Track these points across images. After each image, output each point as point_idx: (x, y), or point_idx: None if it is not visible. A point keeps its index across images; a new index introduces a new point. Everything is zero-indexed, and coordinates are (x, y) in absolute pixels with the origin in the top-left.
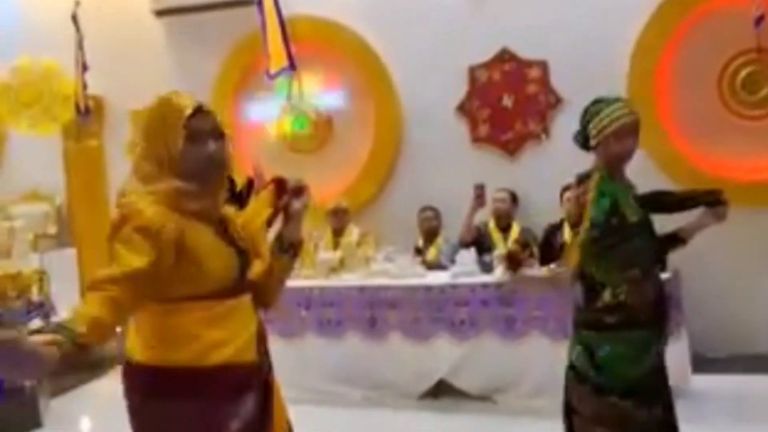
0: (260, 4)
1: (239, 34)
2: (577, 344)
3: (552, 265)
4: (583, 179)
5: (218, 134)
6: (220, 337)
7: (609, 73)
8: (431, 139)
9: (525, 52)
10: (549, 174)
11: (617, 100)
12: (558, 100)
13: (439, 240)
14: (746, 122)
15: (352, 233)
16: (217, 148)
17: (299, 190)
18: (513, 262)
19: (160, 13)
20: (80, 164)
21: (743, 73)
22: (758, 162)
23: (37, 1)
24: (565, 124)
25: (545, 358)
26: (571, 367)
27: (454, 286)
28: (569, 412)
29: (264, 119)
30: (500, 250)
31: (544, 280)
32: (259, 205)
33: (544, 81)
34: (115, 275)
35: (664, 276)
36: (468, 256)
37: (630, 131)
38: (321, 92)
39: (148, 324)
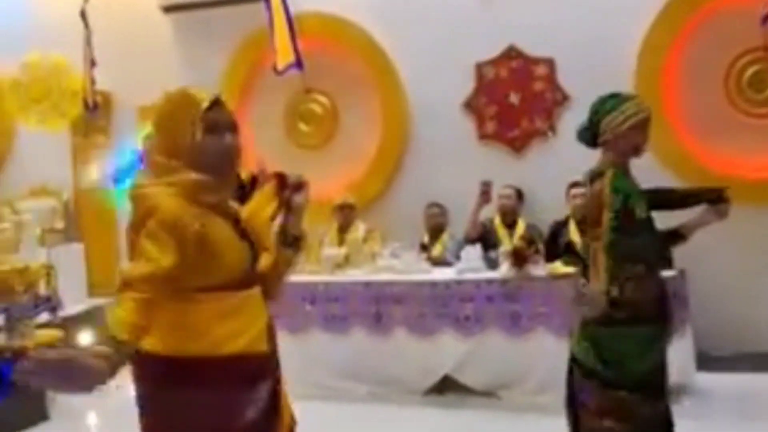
0: (268, 0)
1: (246, 30)
2: (584, 339)
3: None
4: (596, 177)
5: (234, 127)
6: (233, 328)
7: (616, 70)
8: (438, 136)
9: (532, 50)
10: (555, 171)
11: (631, 96)
12: (564, 98)
13: (445, 236)
14: (753, 120)
15: (358, 229)
16: (233, 141)
17: (299, 186)
18: (518, 258)
19: (168, 9)
20: (88, 160)
21: (750, 71)
22: (765, 160)
23: None
24: (572, 121)
25: (550, 354)
26: (576, 362)
27: (459, 282)
28: (574, 406)
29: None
30: (506, 246)
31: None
32: (262, 200)
33: (551, 78)
34: (146, 275)
35: (669, 274)
36: (473, 253)
37: (644, 127)
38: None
39: (162, 315)
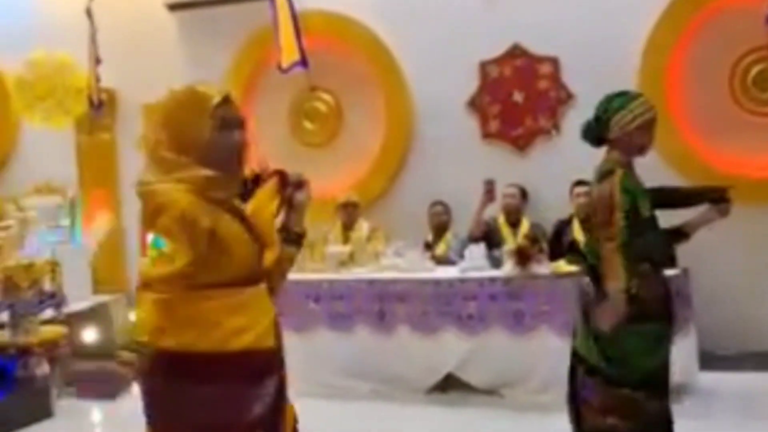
0: None
1: (251, 28)
2: (589, 336)
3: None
4: (604, 176)
5: (242, 124)
6: (241, 323)
7: (620, 69)
8: (442, 135)
9: (536, 48)
10: (559, 169)
11: (638, 95)
12: (569, 96)
13: (449, 235)
14: (757, 119)
15: (362, 227)
16: (242, 138)
17: (300, 183)
18: (522, 257)
19: (173, 7)
20: (92, 157)
21: (754, 70)
22: None
23: None
24: (576, 120)
25: (553, 353)
26: (579, 359)
27: (462, 280)
28: (576, 403)
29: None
30: (509, 245)
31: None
32: (264, 197)
33: (555, 77)
34: (165, 276)
35: (673, 272)
36: (477, 251)
37: (651, 127)
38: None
39: (170, 310)
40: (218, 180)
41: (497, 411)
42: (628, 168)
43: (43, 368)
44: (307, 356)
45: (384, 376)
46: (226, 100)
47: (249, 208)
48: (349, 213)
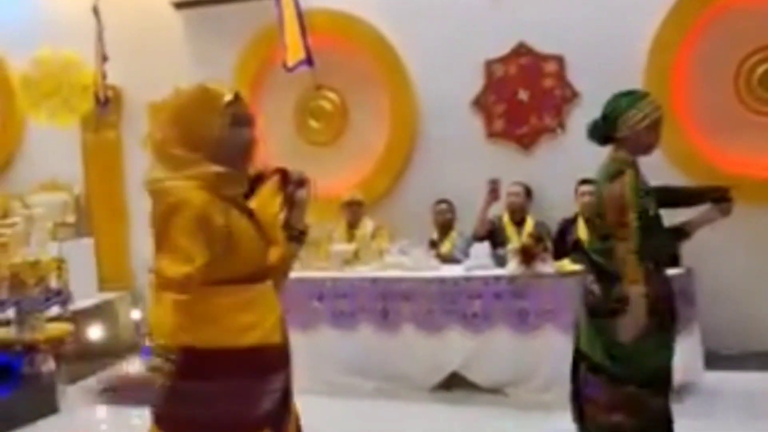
0: None
1: (257, 26)
2: (593, 334)
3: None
4: (614, 176)
5: (252, 121)
6: (249, 320)
7: (626, 68)
8: (446, 133)
9: (541, 47)
10: (564, 168)
11: (646, 94)
12: (574, 95)
13: (454, 233)
14: (763, 119)
15: (367, 226)
16: (251, 134)
17: (302, 181)
18: (527, 255)
19: (179, 5)
20: (98, 155)
21: (760, 69)
22: None
23: None
24: (581, 118)
25: (557, 351)
26: (582, 356)
27: (467, 279)
28: (579, 400)
29: None
30: (514, 244)
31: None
32: (266, 195)
33: (561, 75)
34: (184, 276)
35: (677, 272)
36: (482, 250)
37: (658, 126)
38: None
39: (181, 307)
40: (229, 176)
41: (501, 409)
42: (634, 167)
43: (49, 365)
44: (311, 354)
45: (388, 374)
46: (236, 98)
47: (252, 205)
48: (353, 211)
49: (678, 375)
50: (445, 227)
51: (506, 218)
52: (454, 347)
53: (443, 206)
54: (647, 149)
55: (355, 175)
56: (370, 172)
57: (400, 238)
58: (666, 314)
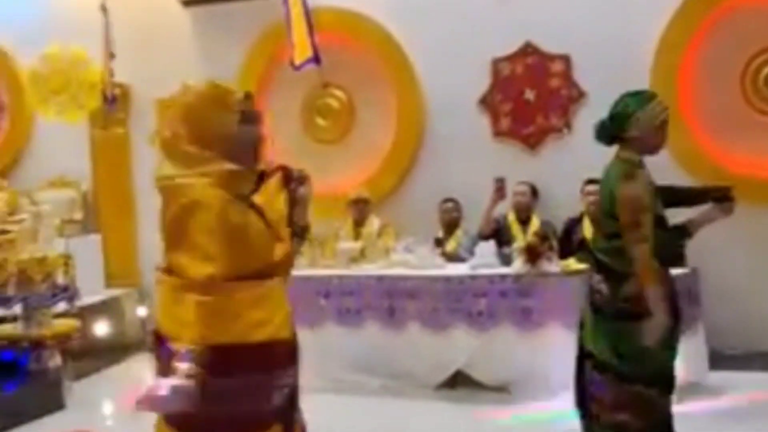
0: None
1: (264, 24)
2: (599, 333)
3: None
4: (628, 176)
5: (262, 119)
6: (261, 316)
7: (632, 68)
8: (453, 132)
9: (548, 46)
10: (570, 168)
11: (655, 94)
12: (580, 95)
13: (459, 232)
14: None
15: (373, 224)
16: (261, 132)
17: (303, 179)
18: (532, 254)
19: (187, 2)
20: (106, 151)
21: (766, 70)
22: None
23: None
24: (587, 118)
25: (562, 350)
26: (588, 354)
27: (472, 277)
28: (584, 399)
29: None
30: (519, 242)
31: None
32: (271, 192)
33: (567, 75)
34: (208, 277)
35: (682, 271)
36: (487, 248)
37: (666, 126)
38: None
39: (204, 308)
40: (241, 174)
41: (506, 407)
42: (643, 167)
43: (56, 361)
44: (317, 351)
45: (393, 372)
46: (247, 96)
47: (257, 202)
48: (360, 209)
49: (682, 375)
50: (450, 226)
51: (512, 217)
52: (459, 345)
53: (449, 205)
54: (654, 149)
55: (361, 173)
56: (376, 170)
57: (406, 236)
58: (670, 314)
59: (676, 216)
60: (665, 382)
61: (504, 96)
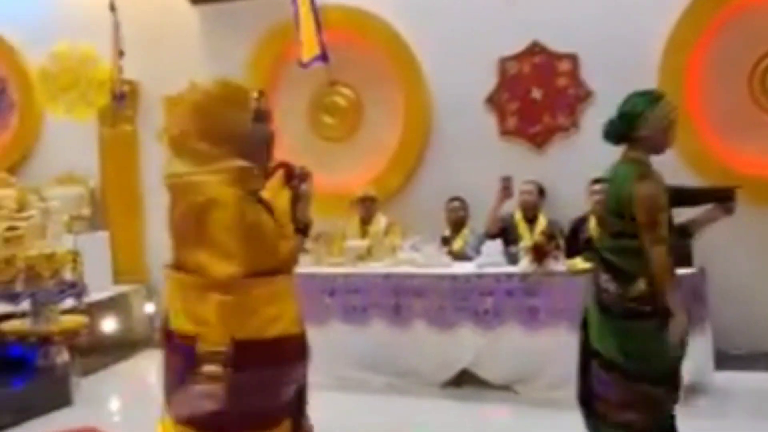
0: None
1: (272, 22)
2: (607, 332)
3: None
4: (646, 175)
5: (271, 117)
6: (274, 312)
7: (640, 67)
8: (460, 131)
9: (555, 45)
10: (577, 167)
11: (664, 94)
12: (587, 94)
13: (466, 231)
14: None
15: (380, 222)
16: (273, 130)
17: (304, 176)
18: (538, 253)
19: (196, 1)
20: (114, 149)
21: None
22: None
23: None
24: (594, 117)
25: (568, 349)
26: (593, 353)
27: (479, 276)
28: (590, 398)
29: None
30: (526, 241)
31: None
32: (275, 189)
33: (574, 74)
34: (231, 276)
35: (689, 271)
36: (494, 247)
37: (675, 126)
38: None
39: (227, 306)
40: (253, 171)
41: (511, 406)
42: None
43: (63, 357)
44: (323, 349)
45: (399, 370)
46: (260, 94)
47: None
48: (367, 207)
49: (688, 375)
50: (457, 224)
51: (518, 216)
52: (465, 344)
53: (456, 203)
54: (662, 149)
55: (368, 172)
56: (383, 169)
57: (413, 235)
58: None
59: (677, 216)
60: (672, 382)
61: (511, 95)
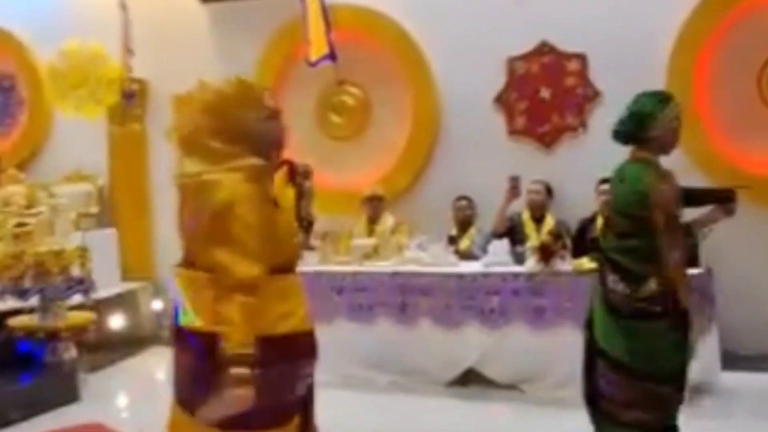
0: None
1: (281, 21)
2: (614, 331)
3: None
4: (664, 177)
5: (281, 114)
6: (285, 308)
7: (648, 67)
8: (468, 130)
9: (564, 45)
10: (585, 167)
11: (670, 94)
12: (596, 94)
13: (473, 230)
14: None
15: (387, 221)
16: (285, 128)
17: (307, 173)
18: (545, 253)
19: None
20: (123, 147)
21: None
22: None
23: None
24: (603, 117)
25: (574, 349)
26: (599, 352)
27: (485, 275)
28: (595, 396)
29: None
30: (533, 241)
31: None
32: (277, 187)
33: (583, 74)
34: (254, 277)
35: (697, 272)
36: (501, 247)
37: (681, 125)
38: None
39: (240, 305)
40: (267, 169)
41: (517, 406)
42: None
43: (71, 353)
44: (329, 347)
45: (405, 369)
46: (273, 92)
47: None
48: (374, 206)
49: (695, 375)
50: (464, 224)
51: (526, 215)
52: (471, 343)
53: (463, 203)
54: (669, 149)
55: (376, 171)
56: (391, 168)
57: (420, 234)
58: (679, 315)
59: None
60: (678, 381)
61: (519, 95)
